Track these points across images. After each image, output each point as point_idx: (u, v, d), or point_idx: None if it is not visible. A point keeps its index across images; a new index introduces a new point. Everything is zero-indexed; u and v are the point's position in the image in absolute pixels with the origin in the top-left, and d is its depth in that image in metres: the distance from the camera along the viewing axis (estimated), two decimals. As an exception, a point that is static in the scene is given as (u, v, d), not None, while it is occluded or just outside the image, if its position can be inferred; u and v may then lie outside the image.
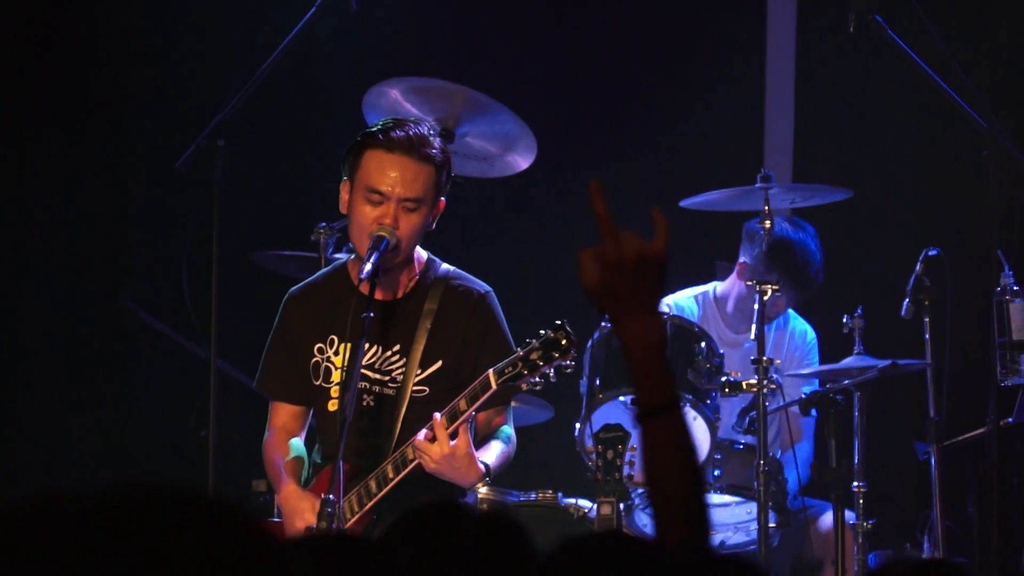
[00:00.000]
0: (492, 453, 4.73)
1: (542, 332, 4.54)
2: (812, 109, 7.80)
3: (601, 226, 2.62)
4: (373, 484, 4.75)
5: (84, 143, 7.49)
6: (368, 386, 4.86)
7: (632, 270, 2.59)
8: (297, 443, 4.91)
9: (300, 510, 4.67)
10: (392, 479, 4.73)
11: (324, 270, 5.14)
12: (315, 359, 4.92)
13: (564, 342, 4.50)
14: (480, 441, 4.85)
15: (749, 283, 6.30)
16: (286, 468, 4.82)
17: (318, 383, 4.91)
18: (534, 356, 4.52)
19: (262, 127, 7.31)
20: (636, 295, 2.60)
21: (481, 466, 4.65)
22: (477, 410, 4.64)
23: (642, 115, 7.86)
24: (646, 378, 2.63)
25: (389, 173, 4.74)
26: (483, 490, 5.63)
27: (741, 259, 6.66)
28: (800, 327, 6.80)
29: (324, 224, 6.06)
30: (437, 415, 4.61)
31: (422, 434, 4.61)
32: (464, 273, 4.97)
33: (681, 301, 6.75)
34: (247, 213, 7.35)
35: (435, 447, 4.58)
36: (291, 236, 6.69)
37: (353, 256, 4.95)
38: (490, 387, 4.58)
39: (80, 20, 7.50)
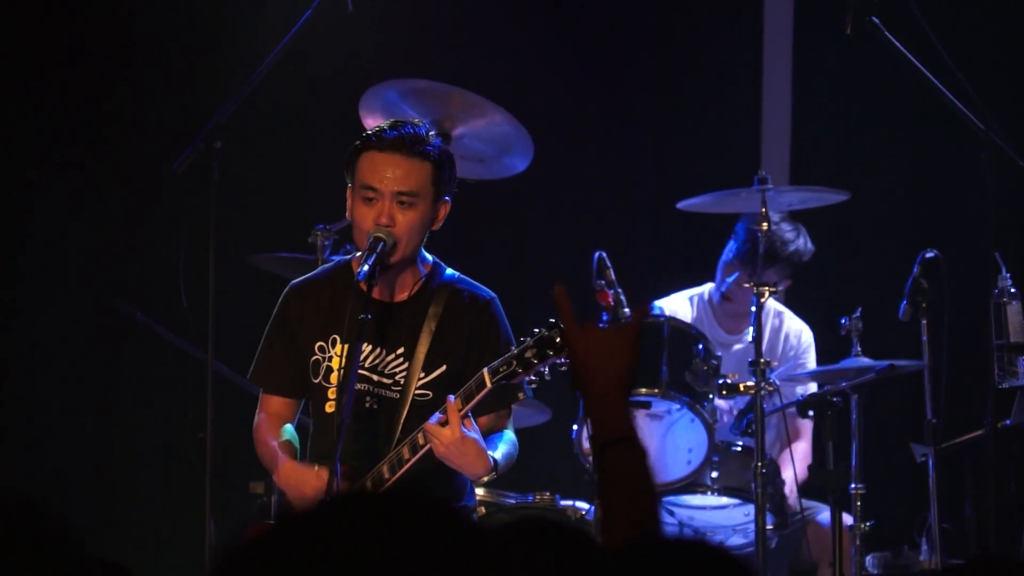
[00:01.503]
0: (500, 451, 4.72)
1: (536, 330, 4.53)
2: (809, 111, 7.80)
3: (565, 323, 2.85)
4: (369, 483, 4.75)
5: (81, 145, 7.48)
6: (370, 388, 4.84)
7: (598, 355, 2.78)
8: (290, 428, 4.91)
9: (304, 479, 4.67)
10: (388, 479, 4.72)
11: (326, 266, 5.11)
12: (315, 357, 4.90)
13: (559, 340, 4.48)
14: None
15: (744, 285, 6.32)
16: (281, 447, 4.82)
17: (317, 381, 4.90)
18: (529, 354, 4.50)
19: (259, 129, 7.30)
20: (603, 373, 2.78)
21: (490, 459, 4.63)
22: (474, 410, 4.62)
23: (639, 117, 7.86)
24: (602, 411, 2.75)
25: (381, 170, 4.73)
26: (480, 491, 5.62)
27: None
28: (795, 327, 6.79)
29: (321, 226, 6.06)
30: (451, 397, 4.60)
31: (435, 418, 4.60)
32: (469, 279, 4.95)
33: (675, 303, 6.75)
34: (244, 215, 7.35)
35: (447, 431, 4.56)
36: (288, 238, 6.69)
37: (357, 254, 4.94)
38: (485, 386, 4.56)
39: (78, 22, 7.50)
